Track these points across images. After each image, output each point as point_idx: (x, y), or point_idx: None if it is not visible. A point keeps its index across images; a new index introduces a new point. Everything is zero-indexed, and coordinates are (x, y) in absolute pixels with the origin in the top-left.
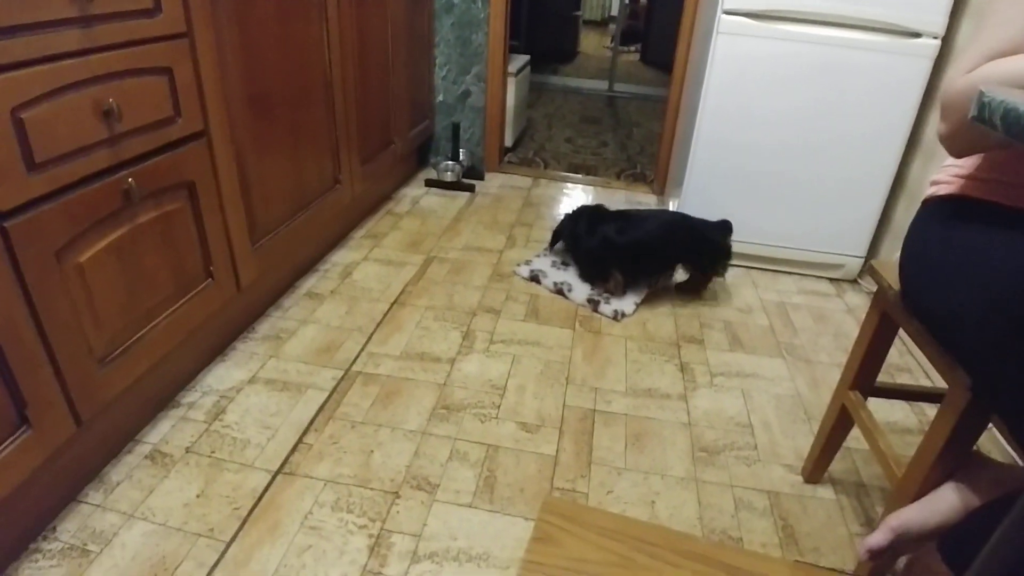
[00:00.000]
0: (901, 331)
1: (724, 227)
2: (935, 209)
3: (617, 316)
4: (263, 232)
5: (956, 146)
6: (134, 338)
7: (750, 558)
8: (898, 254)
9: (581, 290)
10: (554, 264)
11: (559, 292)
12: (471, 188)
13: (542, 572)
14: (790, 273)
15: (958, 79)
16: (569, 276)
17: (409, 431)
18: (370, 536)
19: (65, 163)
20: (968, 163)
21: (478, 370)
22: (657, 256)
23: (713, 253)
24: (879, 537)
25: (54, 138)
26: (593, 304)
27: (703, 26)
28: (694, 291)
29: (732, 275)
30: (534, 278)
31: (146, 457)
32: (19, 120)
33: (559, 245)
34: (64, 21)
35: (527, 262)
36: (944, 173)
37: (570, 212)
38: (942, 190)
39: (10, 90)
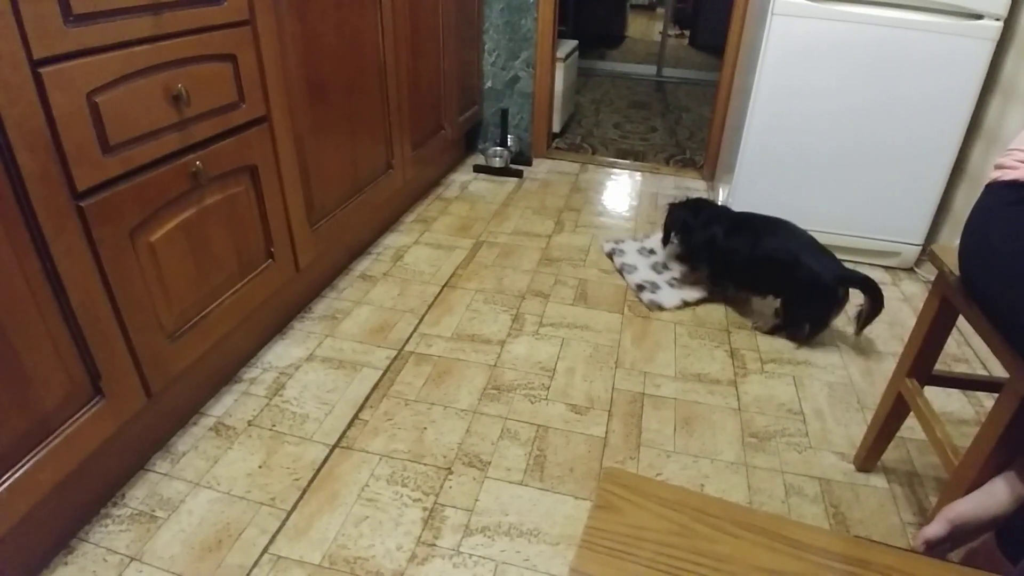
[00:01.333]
0: (959, 321)
1: (847, 278)
2: (998, 194)
3: (652, 307)
4: (320, 215)
5: None
6: (200, 315)
7: (809, 531)
8: (958, 241)
9: (637, 275)
10: (640, 251)
11: (620, 271)
12: (519, 174)
13: (604, 538)
14: (844, 260)
15: None
16: (639, 261)
17: (461, 410)
18: (424, 509)
19: (138, 145)
20: None
21: (527, 352)
22: (743, 271)
23: (809, 295)
24: (936, 528)
25: (127, 121)
26: (638, 289)
27: (757, 7)
28: (790, 331)
29: None
30: (611, 254)
31: (210, 429)
32: (94, 104)
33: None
34: (136, 8)
35: (618, 240)
36: (1009, 157)
37: (681, 203)
38: (1007, 175)
39: (86, 74)
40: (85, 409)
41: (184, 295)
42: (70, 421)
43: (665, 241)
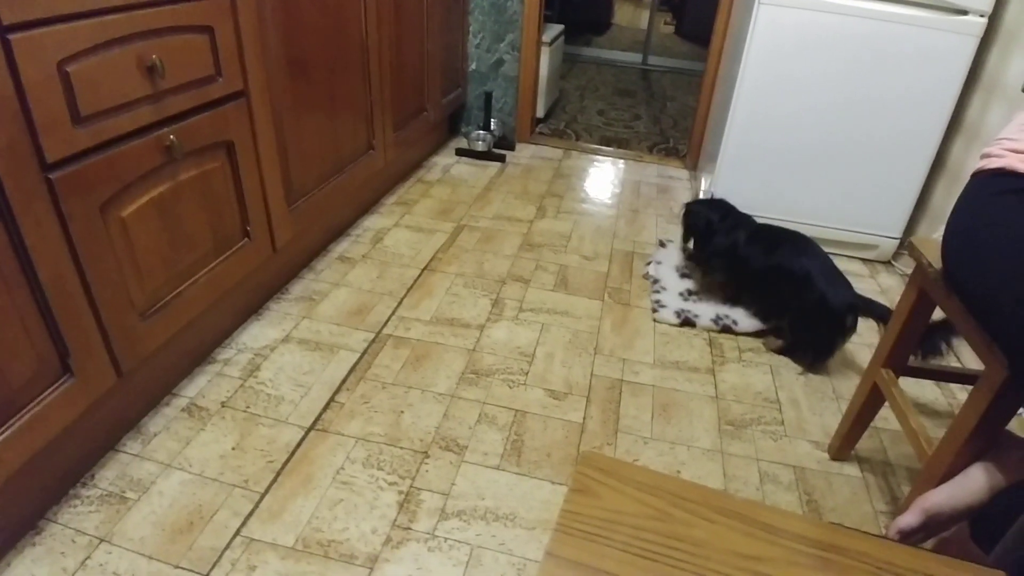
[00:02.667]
0: (935, 313)
1: (857, 306)
2: (984, 183)
3: None
4: (298, 194)
5: None
6: (173, 293)
7: (785, 517)
8: (936, 234)
9: (747, 322)
10: (685, 297)
11: (725, 329)
12: (501, 158)
13: (580, 521)
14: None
15: None
16: (729, 308)
17: (438, 394)
18: (400, 493)
19: (110, 117)
20: (1022, 136)
21: (507, 337)
22: (756, 279)
23: (815, 318)
24: (910, 518)
25: (99, 92)
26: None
27: None
28: (795, 355)
29: None
30: (687, 322)
31: (183, 410)
32: (65, 73)
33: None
34: None
35: (661, 305)
36: (997, 146)
37: (701, 202)
38: (992, 163)
39: (57, 43)
40: (53, 388)
41: (157, 272)
42: (38, 400)
43: (686, 239)
